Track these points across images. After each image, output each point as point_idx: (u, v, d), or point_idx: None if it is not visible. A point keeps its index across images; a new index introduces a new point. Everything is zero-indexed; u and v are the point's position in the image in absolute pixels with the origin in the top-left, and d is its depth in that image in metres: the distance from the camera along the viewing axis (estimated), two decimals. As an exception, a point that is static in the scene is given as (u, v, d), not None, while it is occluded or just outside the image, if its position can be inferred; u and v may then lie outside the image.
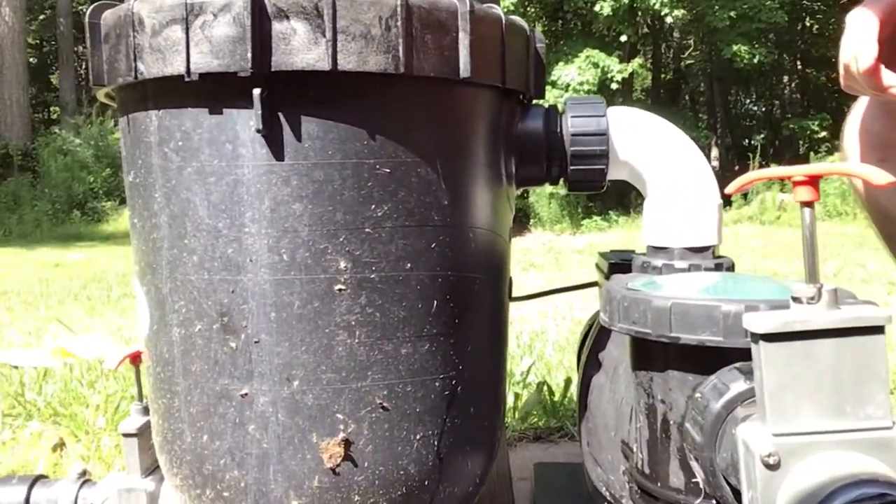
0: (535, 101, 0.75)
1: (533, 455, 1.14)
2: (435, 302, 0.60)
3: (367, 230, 0.57)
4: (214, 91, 0.55)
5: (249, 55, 0.53)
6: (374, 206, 0.57)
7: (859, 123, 0.78)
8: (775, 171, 0.42)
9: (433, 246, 0.60)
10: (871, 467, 0.37)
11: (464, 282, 0.63)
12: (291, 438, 0.57)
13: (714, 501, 0.52)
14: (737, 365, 0.50)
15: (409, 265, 0.59)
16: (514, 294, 0.86)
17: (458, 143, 0.62)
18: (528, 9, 9.76)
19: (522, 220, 8.82)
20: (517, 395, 1.38)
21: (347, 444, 0.58)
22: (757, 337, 0.40)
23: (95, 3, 0.61)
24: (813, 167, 0.40)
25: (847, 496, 0.35)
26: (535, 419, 1.29)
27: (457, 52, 0.58)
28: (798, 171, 0.40)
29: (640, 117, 0.78)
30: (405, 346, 0.59)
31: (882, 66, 0.65)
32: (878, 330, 0.39)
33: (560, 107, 0.76)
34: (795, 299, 0.40)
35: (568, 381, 1.40)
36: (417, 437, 0.60)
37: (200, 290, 0.58)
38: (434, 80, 0.58)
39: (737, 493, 0.46)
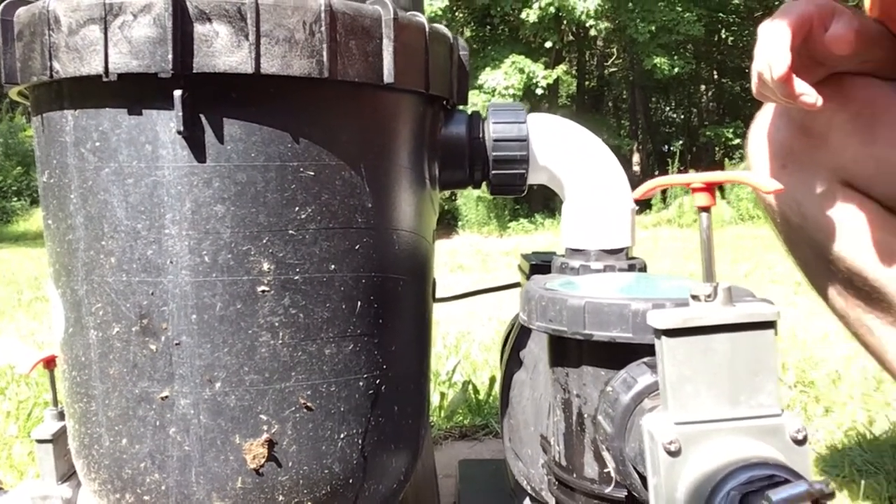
0: (459, 107, 0.77)
1: (458, 452, 1.16)
2: (359, 303, 0.61)
3: (290, 232, 0.57)
4: (134, 92, 0.55)
5: (170, 56, 0.52)
6: (297, 209, 0.57)
7: (765, 131, 0.83)
8: (676, 178, 0.45)
9: (357, 248, 0.61)
10: (762, 451, 0.41)
11: (388, 283, 0.64)
12: (214, 440, 0.57)
13: (626, 490, 0.55)
14: (645, 360, 0.53)
15: (332, 267, 0.60)
16: (440, 295, 0.88)
17: (383, 147, 0.63)
18: (457, 13, 9.86)
19: (450, 223, 8.88)
20: (443, 395, 1.39)
21: (271, 444, 0.58)
22: (659, 332, 0.43)
23: (7, 0, 0.60)
24: (709, 175, 0.43)
25: (740, 478, 0.38)
26: (461, 418, 1.31)
27: (381, 58, 0.60)
28: (696, 178, 0.43)
29: (559, 124, 0.81)
30: (329, 346, 0.60)
31: (794, 75, 0.68)
32: (768, 325, 0.42)
33: (483, 112, 0.78)
34: (694, 297, 0.43)
35: (493, 380, 1.43)
36: (342, 436, 0.61)
37: (118, 293, 0.57)
38: (358, 84, 0.59)
39: (645, 481, 0.49)
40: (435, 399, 1.38)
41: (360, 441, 0.62)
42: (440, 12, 8.62)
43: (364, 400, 0.62)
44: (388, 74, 0.60)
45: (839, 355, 1.62)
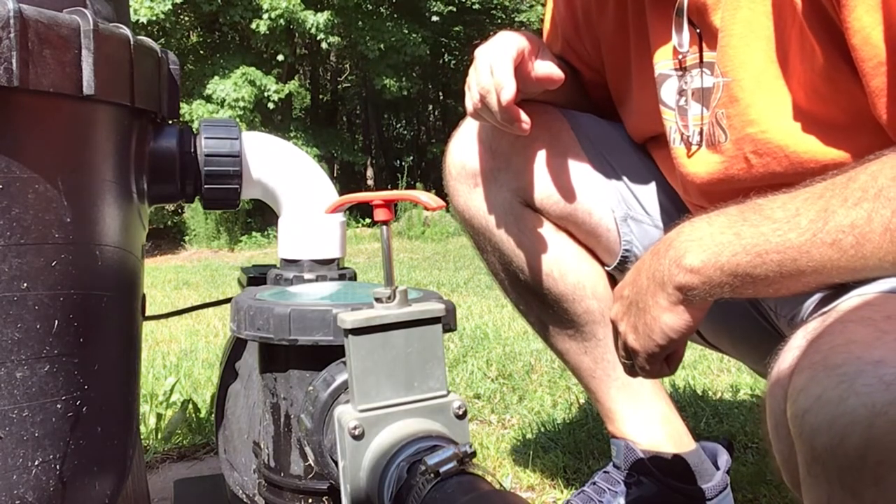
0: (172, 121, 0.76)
1: (177, 474, 1.13)
2: (56, 322, 0.59)
3: (-28, 248, 0.54)
4: None
5: None
6: (-20, 224, 0.54)
7: (460, 151, 0.93)
8: (360, 196, 0.51)
9: (54, 264, 0.59)
10: (428, 427, 0.48)
11: (89, 300, 0.62)
12: None
13: (327, 482, 0.60)
14: (343, 359, 0.58)
15: (25, 285, 0.57)
16: (160, 312, 0.86)
17: (82, 160, 0.61)
18: (182, 17, 9.37)
19: (177, 237, 8.40)
20: (160, 416, 1.34)
21: (-50, 478, 0.53)
22: (346, 332, 0.48)
23: None
24: (386, 193, 0.50)
25: (408, 451, 0.45)
26: (180, 438, 1.28)
27: (80, 69, 0.58)
28: (376, 196, 0.49)
29: (273, 142, 0.85)
30: (21, 369, 0.57)
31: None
32: (436, 321, 0.50)
33: (195, 128, 0.79)
34: (377, 300, 0.50)
35: (213, 397, 1.41)
36: (36, 462, 0.58)
37: None
38: (54, 95, 0.57)
39: (342, 470, 0.53)
40: (152, 421, 1.33)
41: (57, 466, 0.60)
42: (163, 15, 8.13)
43: (62, 423, 0.60)
44: (87, 86, 0.59)
45: (533, 349, 1.85)
